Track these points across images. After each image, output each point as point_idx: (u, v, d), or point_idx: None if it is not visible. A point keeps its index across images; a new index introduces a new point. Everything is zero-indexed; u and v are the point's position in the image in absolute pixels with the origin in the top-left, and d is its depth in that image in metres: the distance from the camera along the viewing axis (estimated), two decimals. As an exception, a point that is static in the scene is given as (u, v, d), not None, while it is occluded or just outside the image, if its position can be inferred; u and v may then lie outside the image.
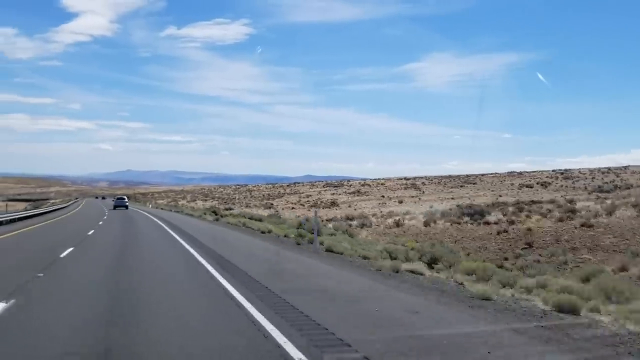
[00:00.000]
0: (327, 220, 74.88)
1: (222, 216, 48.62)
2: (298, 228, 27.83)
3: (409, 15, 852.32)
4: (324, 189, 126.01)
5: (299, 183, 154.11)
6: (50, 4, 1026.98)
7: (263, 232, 28.65)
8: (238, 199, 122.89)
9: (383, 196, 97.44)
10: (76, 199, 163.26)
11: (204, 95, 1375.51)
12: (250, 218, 40.85)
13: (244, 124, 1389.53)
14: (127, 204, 77.63)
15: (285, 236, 25.66)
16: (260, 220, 39.52)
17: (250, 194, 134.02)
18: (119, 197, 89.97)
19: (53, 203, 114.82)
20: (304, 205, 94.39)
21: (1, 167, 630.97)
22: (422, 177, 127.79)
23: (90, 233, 27.51)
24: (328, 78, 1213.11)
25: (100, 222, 38.68)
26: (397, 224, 45.03)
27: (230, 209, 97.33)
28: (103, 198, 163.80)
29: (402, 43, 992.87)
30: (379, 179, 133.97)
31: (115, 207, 74.14)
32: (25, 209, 66.56)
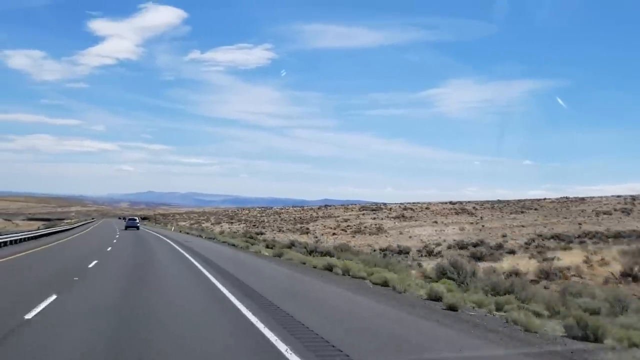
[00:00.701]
0: (380, 249, 63.23)
1: (264, 246, 37.09)
2: (443, 275, 16.25)
3: (430, 42, 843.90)
4: (361, 212, 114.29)
5: (330, 206, 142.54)
6: (78, 28, 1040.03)
7: (399, 292, 15.31)
8: (267, 222, 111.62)
9: (435, 222, 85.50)
10: (92, 219, 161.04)
11: (225, 118, 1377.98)
12: (324, 254, 28.96)
13: (264, 147, 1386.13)
14: (138, 224, 78.11)
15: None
16: (338, 258, 27.59)
17: (279, 216, 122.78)
18: (130, 217, 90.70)
19: (68, 223, 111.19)
20: (345, 231, 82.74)
21: (25, 186, 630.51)
22: (470, 202, 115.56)
23: (90, 265, 20.65)
24: (348, 103, 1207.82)
25: (109, 248, 30.83)
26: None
27: (261, 233, 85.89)
28: (123, 219, 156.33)
29: (422, 69, 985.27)
30: (419, 202, 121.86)
31: (126, 227, 74.60)
32: (38, 229, 63.42)
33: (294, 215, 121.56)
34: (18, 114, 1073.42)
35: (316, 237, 73.15)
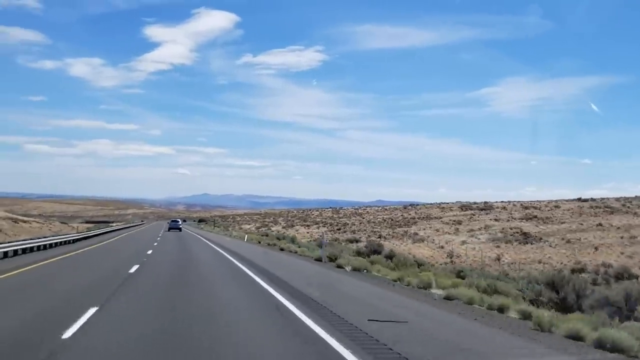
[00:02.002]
0: (574, 270, 39.03)
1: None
2: None
3: (484, 40, 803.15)
4: (464, 212, 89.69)
5: (416, 205, 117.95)
6: (134, 34, 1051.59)
7: None
8: (352, 224, 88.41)
9: (600, 224, 60.30)
10: (142, 221, 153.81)
11: (278, 121, 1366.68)
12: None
13: (316, 149, 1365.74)
14: (180, 226, 77.64)
15: None
16: None
17: (362, 217, 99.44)
18: (173, 219, 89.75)
19: (113, 225, 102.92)
20: (478, 238, 58.66)
21: (85, 190, 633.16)
22: (605, 199, 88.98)
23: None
24: (400, 103, 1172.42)
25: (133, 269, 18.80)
26: None
27: (357, 240, 63.81)
28: (181, 221, 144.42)
29: (476, 68, 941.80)
30: (543, 200, 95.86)
31: (170, 229, 74.09)
32: (87, 230, 58.49)
33: (380, 216, 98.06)
34: (79, 120, 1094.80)
35: (448, 249, 49.77)
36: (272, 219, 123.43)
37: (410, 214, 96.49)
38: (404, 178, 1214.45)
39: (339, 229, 79.44)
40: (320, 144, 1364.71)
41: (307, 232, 74.74)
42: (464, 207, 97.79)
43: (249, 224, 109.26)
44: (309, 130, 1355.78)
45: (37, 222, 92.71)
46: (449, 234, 64.65)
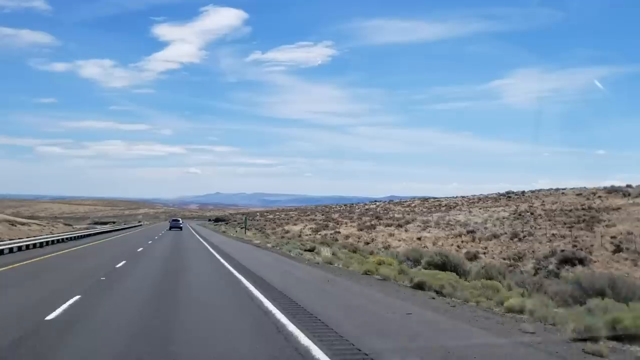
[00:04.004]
0: None
1: None
2: None
3: (494, 32, 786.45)
4: (502, 200, 75.42)
5: (452, 197, 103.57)
6: (143, 34, 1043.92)
7: None
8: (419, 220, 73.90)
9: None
10: (139, 222, 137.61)
11: (287, 118, 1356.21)
12: None
13: (327, 145, 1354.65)
14: (181, 225, 76.23)
15: None
16: None
17: (412, 209, 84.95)
18: (173, 218, 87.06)
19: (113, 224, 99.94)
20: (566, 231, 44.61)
21: (97, 192, 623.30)
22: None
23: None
24: (411, 98, 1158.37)
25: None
26: None
27: (479, 256, 48.87)
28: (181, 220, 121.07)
29: (487, 60, 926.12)
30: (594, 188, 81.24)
31: (170, 228, 73.29)
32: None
33: (421, 208, 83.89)
34: (90, 121, 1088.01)
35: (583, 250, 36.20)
36: (307, 214, 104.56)
37: (446, 203, 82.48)
38: (415, 173, 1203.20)
39: (400, 225, 65.37)
40: (330, 140, 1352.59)
41: (404, 236, 56.25)
42: (505, 196, 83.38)
43: (295, 224, 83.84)
44: (319, 127, 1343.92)
45: (38, 225, 79.82)
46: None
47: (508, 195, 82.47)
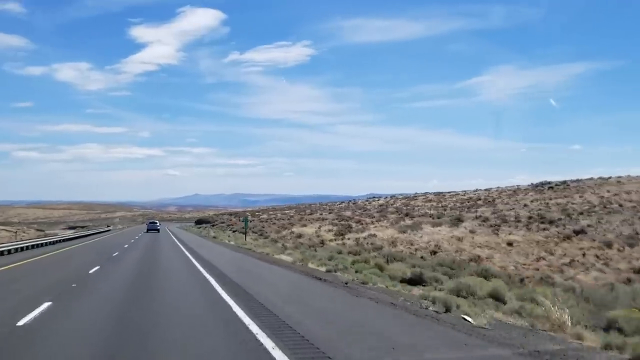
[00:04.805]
0: None
1: None
2: None
3: (472, 30, 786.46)
4: (547, 192, 70.26)
5: (470, 191, 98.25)
6: (119, 36, 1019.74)
7: None
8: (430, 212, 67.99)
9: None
10: (107, 226, 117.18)
11: (267, 118, 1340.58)
12: None
13: (307, 145, 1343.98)
14: (158, 227, 76.98)
15: None
16: None
17: (438, 204, 78.96)
18: (151, 221, 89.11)
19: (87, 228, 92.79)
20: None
21: (75, 195, 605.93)
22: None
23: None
24: (390, 97, 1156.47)
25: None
26: None
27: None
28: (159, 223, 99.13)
29: (465, 58, 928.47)
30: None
31: (148, 230, 74.92)
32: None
33: (435, 206, 78.32)
34: (66, 124, 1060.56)
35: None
36: (314, 214, 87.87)
37: (467, 199, 77.07)
38: (396, 170, 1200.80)
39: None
40: (310, 139, 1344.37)
41: (480, 240, 44.26)
42: (541, 188, 78.23)
43: (305, 226, 66.46)
44: (298, 127, 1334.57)
45: (7, 231, 72.51)
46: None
47: (549, 185, 76.01)
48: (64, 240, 49.69)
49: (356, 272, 20.17)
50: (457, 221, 53.62)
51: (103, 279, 17.37)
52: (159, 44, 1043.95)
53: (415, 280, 20.47)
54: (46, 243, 42.96)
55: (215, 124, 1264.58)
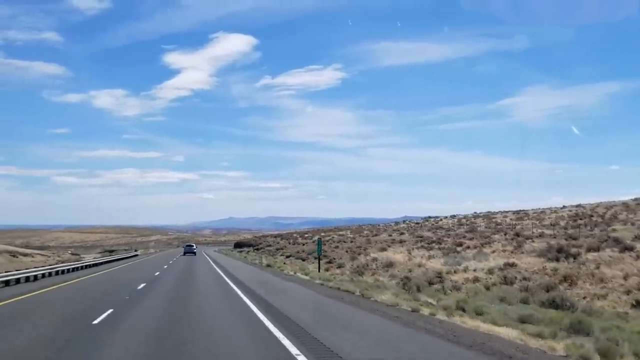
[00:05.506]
0: None
1: None
2: None
3: (501, 51, 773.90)
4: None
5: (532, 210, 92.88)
6: (154, 63, 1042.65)
7: None
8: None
9: None
10: (135, 250, 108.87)
11: (299, 142, 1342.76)
12: None
13: (339, 168, 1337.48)
14: (195, 250, 76.28)
15: None
16: None
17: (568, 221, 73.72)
18: (187, 244, 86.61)
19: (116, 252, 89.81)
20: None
21: (111, 220, 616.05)
22: None
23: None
24: (420, 119, 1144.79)
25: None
26: None
27: None
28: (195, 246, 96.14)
29: (495, 79, 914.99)
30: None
31: (185, 253, 73.24)
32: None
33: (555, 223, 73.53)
34: (103, 150, 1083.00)
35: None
36: (378, 234, 76.67)
37: (583, 217, 71.80)
38: (429, 192, 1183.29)
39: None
40: (342, 162, 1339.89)
41: None
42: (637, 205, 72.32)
43: (385, 250, 54.25)
44: (330, 150, 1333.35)
45: (42, 255, 71.08)
46: None
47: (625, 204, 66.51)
48: (72, 270, 40.64)
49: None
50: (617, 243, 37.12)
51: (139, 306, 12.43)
52: (192, 70, 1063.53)
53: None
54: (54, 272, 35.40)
55: (248, 148, 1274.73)
